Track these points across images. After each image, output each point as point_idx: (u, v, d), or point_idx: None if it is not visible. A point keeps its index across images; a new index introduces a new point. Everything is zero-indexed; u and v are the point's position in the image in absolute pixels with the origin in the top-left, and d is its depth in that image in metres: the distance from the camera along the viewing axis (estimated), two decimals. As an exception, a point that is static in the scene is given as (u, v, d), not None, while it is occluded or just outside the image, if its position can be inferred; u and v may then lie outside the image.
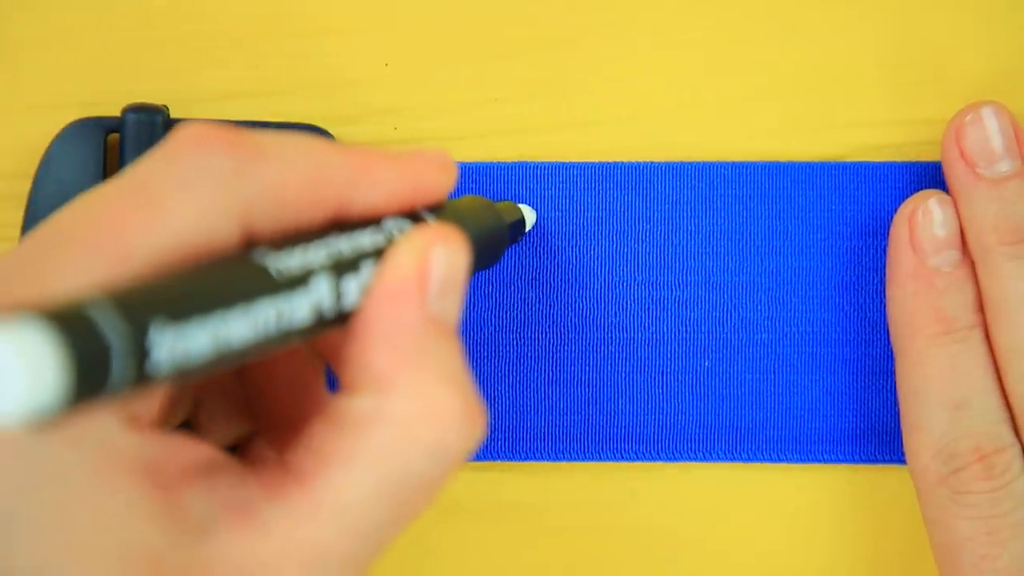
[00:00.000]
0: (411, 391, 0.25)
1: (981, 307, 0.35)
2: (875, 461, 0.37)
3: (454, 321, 0.26)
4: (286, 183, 0.25)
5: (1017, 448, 0.34)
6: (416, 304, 0.25)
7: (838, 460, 0.37)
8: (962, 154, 0.35)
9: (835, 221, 0.38)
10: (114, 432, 0.23)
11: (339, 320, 0.25)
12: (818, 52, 0.38)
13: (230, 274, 0.23)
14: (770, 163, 0.38)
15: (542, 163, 0.38)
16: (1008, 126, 0.35)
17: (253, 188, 0.24)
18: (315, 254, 0.25)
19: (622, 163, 0.38)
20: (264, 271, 0.23)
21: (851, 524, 0.38)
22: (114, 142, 0.37)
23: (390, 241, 0.26)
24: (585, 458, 0.38)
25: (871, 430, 0.37)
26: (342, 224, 0.26)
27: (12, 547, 0.22)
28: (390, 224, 0.27)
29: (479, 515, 0.38)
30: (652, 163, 0.38)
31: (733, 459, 0.37)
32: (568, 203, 0.38)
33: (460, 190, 0.38)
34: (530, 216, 0.37)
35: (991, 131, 0.35)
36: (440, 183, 0.28)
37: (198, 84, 0.38)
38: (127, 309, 0.20)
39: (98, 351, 0.19)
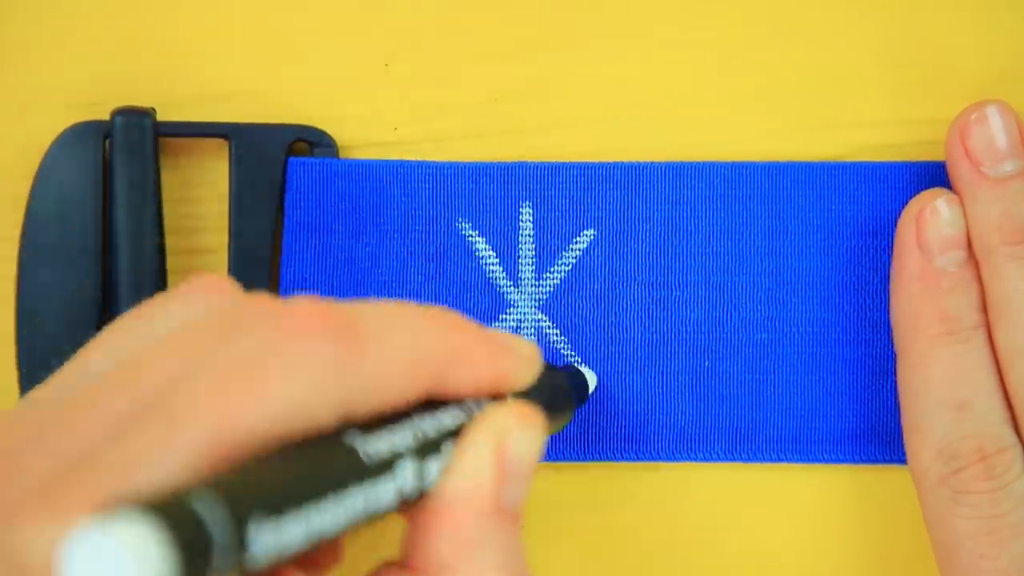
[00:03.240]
0: None
1: (984, 307, 0.35)
2: (875, 461, 0.37)
3: (521, 506, 0.27)
4: (388, 373, 0.25)
5: (1018, 449, 0.34)
6: (488, 496, 0.26)
7: (838, 460, 0.37)
8: (967, 153, 0.35)
9: (835, 221, 0.38)
10: None
11: (418, 500, 0.26)
12: (818, 52, 0.38)
13: (324, 461, 0.23)
14: (770, 163, 0.38)
15: (542, 163, 0.38)
16: (1013, 125, 0.35)
17: (355, 380, 0.24)
18: (402, 437, 0.25)
19: (622, 163, 0.38)
20: (355, 455, 0.24)
21: (851, 524, 0.38)
22: (113, 145, 0.37)
23: (470, 417, 0.27)
24: (585, 458, 0.38)
25: (871, 430, 0.37)
26: (429, 403, 0.26)
27: None
28: (471, 401, 0.27)
29: (479, 515, 0.38)
30: (652, 163, 0.38)
31: (733, 459, 0.37)
32: (568, 203, 0.38)
33: (460, 190, 0.38)
34: (591, 380, 0.37)
35: (996, 130, 0.35)
36: (526, 378, 0.29)
37: (198, 84, 0.38)
38: (229, 503, 0.21)
39: (202, 547, 0.20)
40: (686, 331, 0.38)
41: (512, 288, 0.38)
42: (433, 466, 0.26)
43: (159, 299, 0.27)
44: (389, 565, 0.26)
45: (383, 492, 0.24)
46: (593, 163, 0.38)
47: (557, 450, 0.38)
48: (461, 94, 0.38)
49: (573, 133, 0.38)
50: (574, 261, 0.38)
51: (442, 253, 0.38)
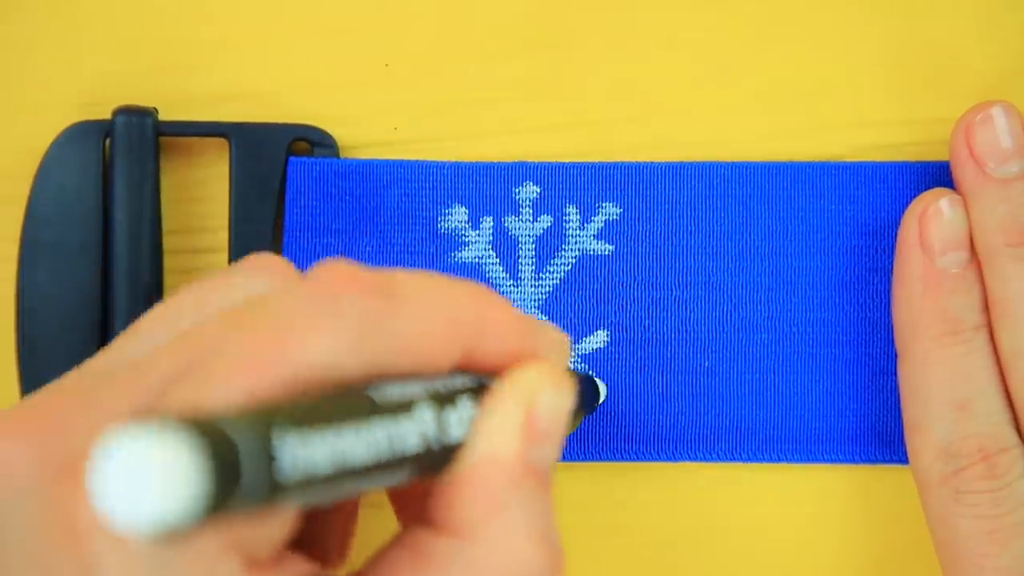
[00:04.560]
0: (497, 543, 0.25)
1: (987, 308, 0.35)
2: (875, 461, 0.37)
3: (550, 467, 0.26)
4: (420, 334, 0.25)
5: (1020, 449, 0.34)
6: (516, 456, 0.25)
7: (838, 460, 0.37)
8: (972, 154, 0.35)
9: (835, 221, 0.38)
10: None
11: (445, 455, 0.25)
12: (819, 52, 0.38)
13: (343, 398, 0.23)
14: (770, 163, 0.38)
15: (542, 163, 0.38)
16: (1018, 126, 0.35)
17: (385, 340, 0.24)
18: (421, 387, 0.25)
19: (622, 163, 0.38)
20: (370, 399, 0.24)
21: (851, 524, 0.38)
22: (113, 145, 0.37)
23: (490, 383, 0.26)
24: (586, 458, 0.37)
25: (871, 430, 0.37)
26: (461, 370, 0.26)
27: None
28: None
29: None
30: (652, 163, 0.38)
31: (733, 459, 0.37)
32: (568, 203, 0.38)
33: (460, 190, 0.38)
34: (603, 391, 0.37)
35: (1001, 130, 0.35)
36: (555, 362, 0.28)
37: (199, 84, 0.38)
38: (252, 416, 0.21)
39: (230, 457, 0.20)
40: (686, 331, 0.38)
41: (512, 287, 0.38)
42: (453, 417, 0.25)
43: (218, 277, 0.27)
44: (418, 525, 0.26)
45: (406, 432, 0.24)
46: (593, 163, 0.38)
47: (557, 450, 0.38)
48: (461, 94, 0.38)
49: (573, 133, 0.38)
50: (574, 260, 0.38)
51: (442, 252, 0.38)
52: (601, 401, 0.37)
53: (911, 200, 0.36)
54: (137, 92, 0.38)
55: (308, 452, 0.21)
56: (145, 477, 0.19)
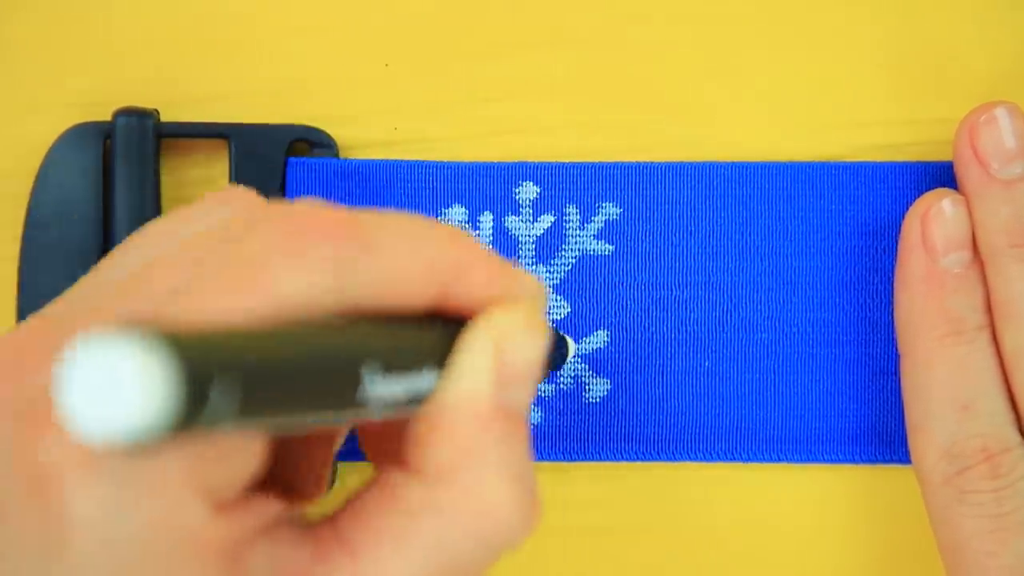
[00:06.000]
0: (472, 487, 0.25)
1: (989, 308, 0.35)
2: (876, 461, 0.37)
3: (525, 409, 0.26)
4: (394, 274, 0.25)
5: (1022, 448, 0.34)
6: (486, 398, 0.25)
7: (838, 460, 0.37)
8: (975, 154, 0.35)
9: (835, 221, 0.38)
10: (204, 519, 0.23)
11: (416, 400, 0.25)
12: (819, 51, 0.38)
13: (312, 327, 0.23)
14: (770, 163, 0.38)
15: (542, 163, 0.38)
16: (1021, 127, 0.35)
17: (358, 279, 0.24)
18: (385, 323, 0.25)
19: (622, 163, 0.38)
20: (339, 329, 0.24)
21: (851, 524, 0.38)
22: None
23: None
24: (586, 458, 0.37)
25: (871, 430, 0.37)
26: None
27: None
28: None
29: (478, 515, 0.38)
30: (652, 163, 0.38)
31: (733, 459, 0.37)
32: (568, 203, 0.38)
33: (459, 190, 0.38)
34: (571, 348, 0.37)
35: (1005, 131, 0.35)
36: (532, 307, 0.28)
37: (199, 84, 0.38)
38: (222, 336, 0.21)
39: (202, 372, 0.19)
40: (686, 331, 0.38)
41: (511, 287, 0.38)
42: (423, 357, 0.25)
43: (183, 209, 0.27)
44: (392, 468, 0.26)
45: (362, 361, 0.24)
46: (593, 163, 0.38)
47: (558, 450, 0.37)
48: (461, 94, 0.38)
49: (573, 133, 0.38)
50: (574, 261, 0.38)
51: (442, 253, 0.38)
52: (570, 356, 0.37)
53: (912, 200, 0.36)
54: (137, 93, 0.38)
55: (278, 377, 0.21)
56: (112, 384, 0.18)
